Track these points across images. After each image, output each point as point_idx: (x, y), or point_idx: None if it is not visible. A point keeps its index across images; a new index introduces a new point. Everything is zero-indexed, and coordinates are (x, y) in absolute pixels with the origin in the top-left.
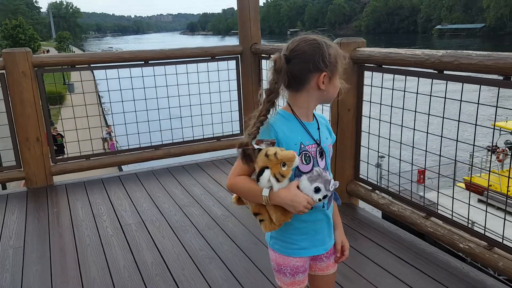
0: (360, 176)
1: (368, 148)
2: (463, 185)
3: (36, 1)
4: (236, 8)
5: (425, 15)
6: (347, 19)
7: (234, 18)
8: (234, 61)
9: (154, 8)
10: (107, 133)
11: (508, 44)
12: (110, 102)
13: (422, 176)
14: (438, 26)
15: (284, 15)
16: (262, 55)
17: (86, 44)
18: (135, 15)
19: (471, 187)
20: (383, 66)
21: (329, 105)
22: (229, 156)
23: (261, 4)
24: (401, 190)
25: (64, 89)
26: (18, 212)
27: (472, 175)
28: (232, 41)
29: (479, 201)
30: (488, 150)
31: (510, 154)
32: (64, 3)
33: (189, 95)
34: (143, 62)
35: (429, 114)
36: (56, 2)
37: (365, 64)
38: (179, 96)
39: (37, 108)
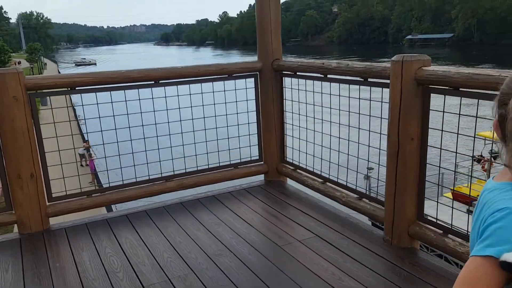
0: (426, 216)
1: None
2: (450, 195)
3: (5, 12)
4: (210, 19)
5: (396, 25)
6: (320, 30)
7: (208, 28)
8: (253, 79)
9: (127, 19)
10: (84, 149)
11: (475, 53)
12: (115, 129)
13: None
14: (409, 36)
15: None
16: (285, 71)
17: (57, 56)
18: (107, 26)
19: (459, 197)
20: (460, 89)
21: (385, 132)
22: (248, 185)
23: (234, 15)
24: None
25: (37, 102)
26: (12, 268)
27: (459, 185)
28: (206, 52)
29: (468, 211)
30: (474, 160)
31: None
32: (35, 13)
33: (204, 118)
34: (153, 82)
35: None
36: (26, 12)
37: (432, 86)
38: (192, 119)
39: (31, 138)
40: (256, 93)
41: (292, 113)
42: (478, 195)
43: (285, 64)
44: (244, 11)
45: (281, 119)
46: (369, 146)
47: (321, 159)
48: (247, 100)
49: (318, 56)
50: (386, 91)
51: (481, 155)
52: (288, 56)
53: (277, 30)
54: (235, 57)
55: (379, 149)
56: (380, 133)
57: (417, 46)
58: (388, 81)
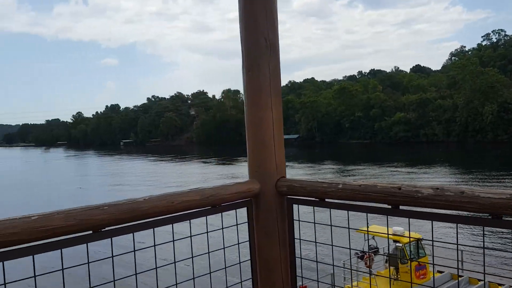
0: None
1: None
2: None
3: None
4: (62, 119)
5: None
6: (179, 131)
7: (60, 129)
8: (246, 209)
9: None
10: None
11: (318, 151)
12: None
13: None
14: None
15: (116, 126)
16: (298, 197)
17: None
18: None
19: None
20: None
21: None
22: None
23: (89, 115)
24: None
25: None
26: None
27: (348, 285)
28: (57, 153)
29: None
30: (358, 257)
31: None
32: None
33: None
34: (91, 232)
35: None
36: None
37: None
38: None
39: None
40: (251, 231)
41: (317, 262)
42: None
43: (304, 185)
44: (100, 111)
45: (292, 273)
46: None
47: None
48: (238, 244)
49: (183, 156)
50: None
51: (363, 251)
52: (149, 156)
53: (281, 138)
54: (91, 158)
55: None
56: None
57: None
58: None
